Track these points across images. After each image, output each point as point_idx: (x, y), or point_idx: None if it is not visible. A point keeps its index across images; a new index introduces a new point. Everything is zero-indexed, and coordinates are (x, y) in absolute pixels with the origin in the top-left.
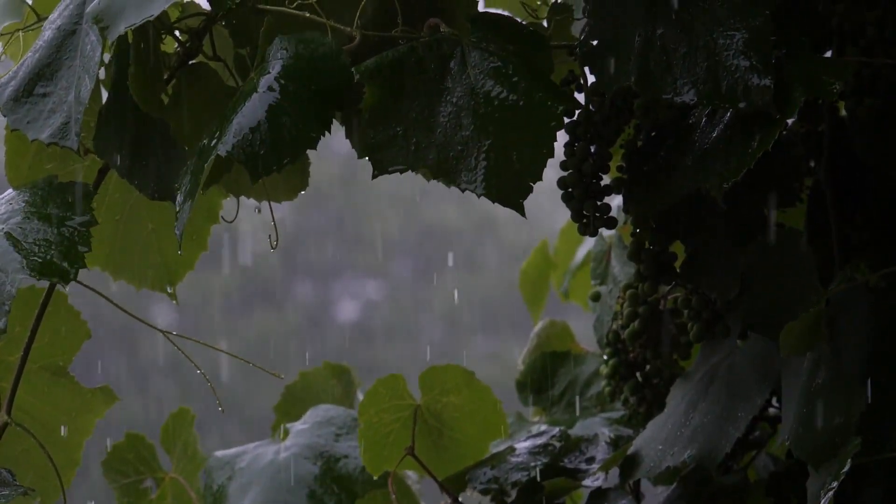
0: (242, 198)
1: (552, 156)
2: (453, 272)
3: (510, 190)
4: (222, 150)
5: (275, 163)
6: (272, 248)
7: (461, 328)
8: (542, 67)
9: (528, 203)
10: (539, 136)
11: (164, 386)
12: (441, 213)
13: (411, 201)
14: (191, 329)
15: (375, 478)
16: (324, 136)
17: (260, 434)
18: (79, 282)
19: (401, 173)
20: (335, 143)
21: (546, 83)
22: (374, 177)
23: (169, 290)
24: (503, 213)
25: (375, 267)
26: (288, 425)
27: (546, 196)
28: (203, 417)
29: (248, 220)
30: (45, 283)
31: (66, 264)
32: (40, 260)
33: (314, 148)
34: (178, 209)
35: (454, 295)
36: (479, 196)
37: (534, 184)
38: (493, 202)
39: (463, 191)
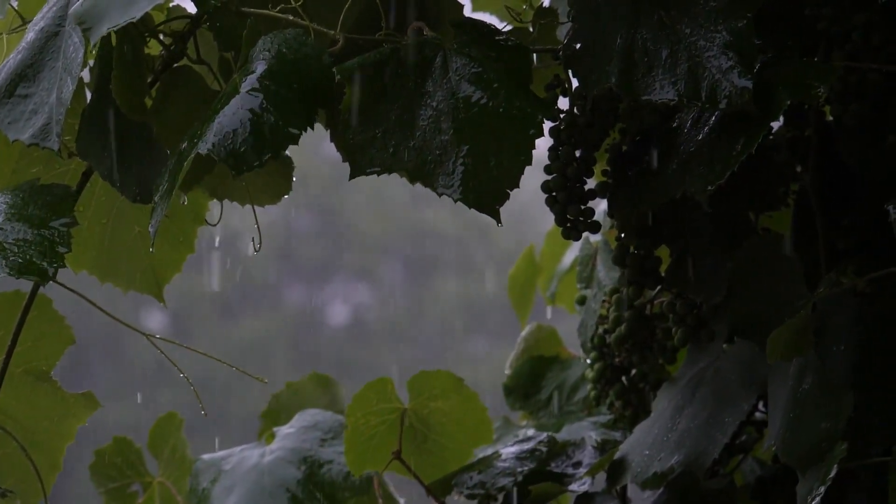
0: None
1: (530, 163)
2: (444, 275)
3: (487, 196)
4: (203, 147)
5: (255, 159)
6: (255, 251)
7: (452, 331)
8: (523, 75)
9: (520, 206)
10: (517, 143)
11: (156, 390)
12: (432, 217)
13: (402, 204)
14: (182, 332)
15: (358, 479)
16: (304, 132)
17: (249, 437)
18: (64, 285)
19: (378, 175)
20: (326, 146)
21: (526, 91)
22: (350, 177)
23: (156, 293)
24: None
25: (367, 270)
26: (275, 429)
27: (537, 200)
28: (194, 421)
29: (240, 223)
30: (28, 287)
31: (45, 264)
32: (20, 259)
33: (295, 143)
34: (152, 208)
35: (445, 298)
36: (455, 201)
37: (510, 191)
38: (470, 208)
39: (440, 195)
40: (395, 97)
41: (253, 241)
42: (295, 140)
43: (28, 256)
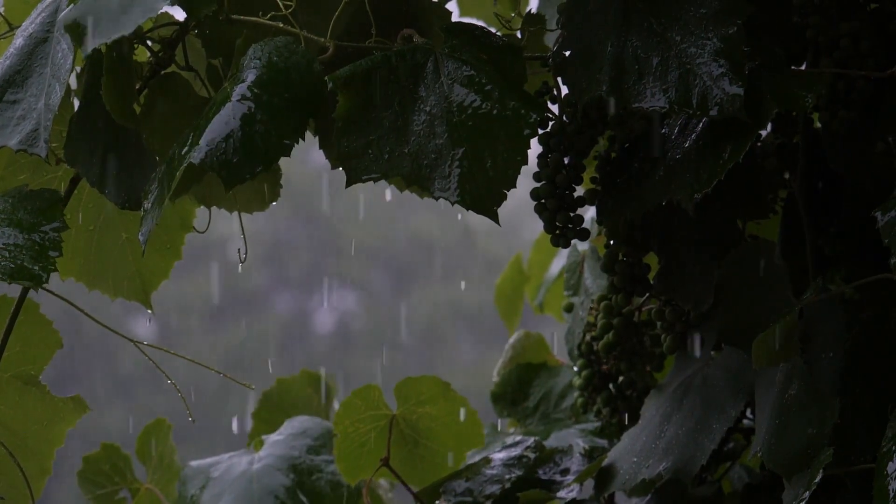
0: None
1: (526, 163)
2: (432, 283)
3: (484, 197)
4: (195, 157)
5: (248, 171)
6: (241, 261)
7: (439, 338)
8: (516, 76)
9: (508, 214)
10: (513, 143)
11: (146, 396)
12: (420, 224)
13: (390, 211)
14: (170, 339)
15: (347, 486)
16: (297, 143)
17: (238, 444)
18: (52, 292)
19: (374, 182)
20: (315, 153)
21: (519, 92)
22: (347, 185)
23: (143, 300)
24: (483, 224)
25: (354, 277)
26: (263, 436)
27: (526, 207)
28: (183, 427)
29: (228, 229)
30: (15, 293)
31: (37, 268)
32: (12, 264)
33: (287, 155)
34: (143, 215)
35: (432, 305)
36: (452, 204)
37: (507, 191)
38: (467, 209)
39: (437, 199)
40: (387, 103)
41: (239, 250)
42: (287, 151)
43: (20, 261)
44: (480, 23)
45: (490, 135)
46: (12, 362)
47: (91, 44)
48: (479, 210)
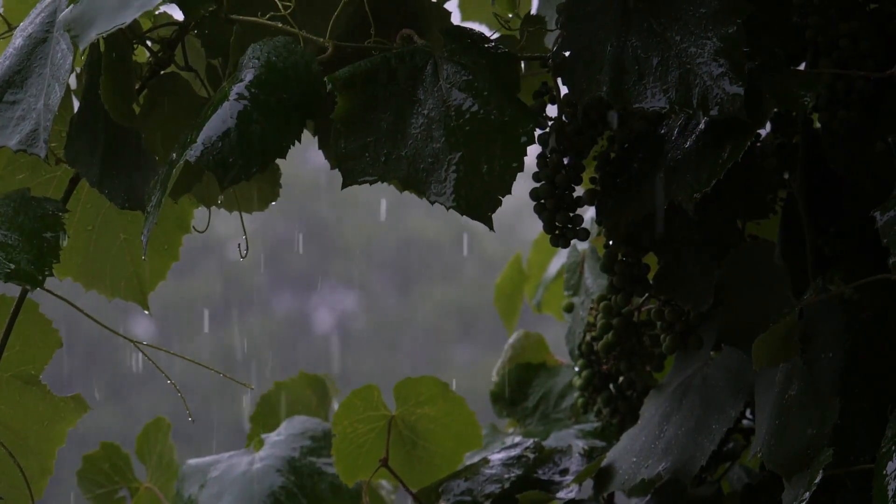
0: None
1: (522, 170)
2: (431, 283)
3: (479, 203)
4: (191, 155)
5: (244, 171)
6: (242, 257)
7: (439, 338)
8: (513, 83)
9: (508, 214)
10: (509, 150)
11: (146, 396)
12: (419, 224)
13: (389, 212)
14: (170, 339)
15: (351, 486)
16: (294, 145)
17: (236, 443)
18: (52, 292)
19: (371, 184)
20: (313, 153)
21: (516, 99)
22: (343, 187)
23: (141, 300)
24: (481, 224)
25: (353, 277)
26: (263, 436)
27: (525, 207)
28: (181, 427)
29: (226, 229)
30: (15, 293)
31: (35, 270)
32: (11, 265)
33: (283, 157)
34: (146, 217)
35: (432, 306)
36: (447, 208)
37: (503, 197)
38: (462, 215)
39: (432, 203)
40: (386, 106)
41: (239, 247)
42: (283, 152)
43: (18, 262)
44: (481, 25)
45: (487, 140)
46: (12, 362)
47: (87, 38)
48: (475, 215)
